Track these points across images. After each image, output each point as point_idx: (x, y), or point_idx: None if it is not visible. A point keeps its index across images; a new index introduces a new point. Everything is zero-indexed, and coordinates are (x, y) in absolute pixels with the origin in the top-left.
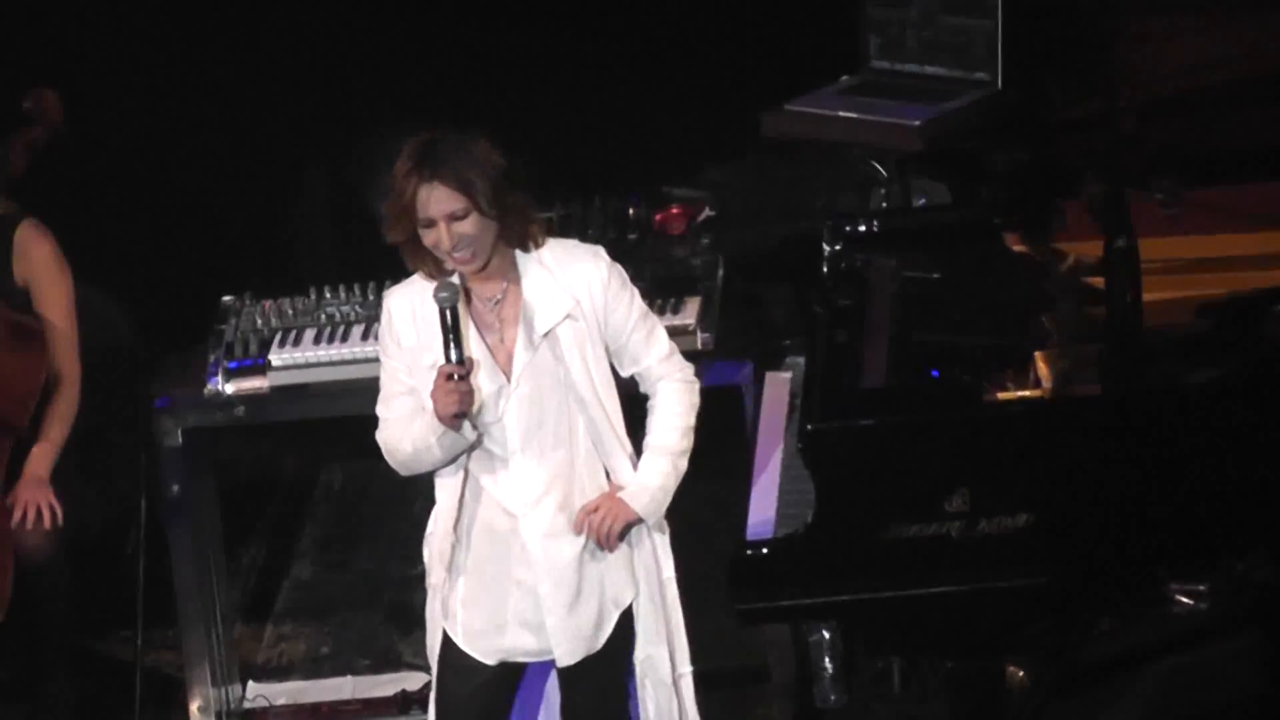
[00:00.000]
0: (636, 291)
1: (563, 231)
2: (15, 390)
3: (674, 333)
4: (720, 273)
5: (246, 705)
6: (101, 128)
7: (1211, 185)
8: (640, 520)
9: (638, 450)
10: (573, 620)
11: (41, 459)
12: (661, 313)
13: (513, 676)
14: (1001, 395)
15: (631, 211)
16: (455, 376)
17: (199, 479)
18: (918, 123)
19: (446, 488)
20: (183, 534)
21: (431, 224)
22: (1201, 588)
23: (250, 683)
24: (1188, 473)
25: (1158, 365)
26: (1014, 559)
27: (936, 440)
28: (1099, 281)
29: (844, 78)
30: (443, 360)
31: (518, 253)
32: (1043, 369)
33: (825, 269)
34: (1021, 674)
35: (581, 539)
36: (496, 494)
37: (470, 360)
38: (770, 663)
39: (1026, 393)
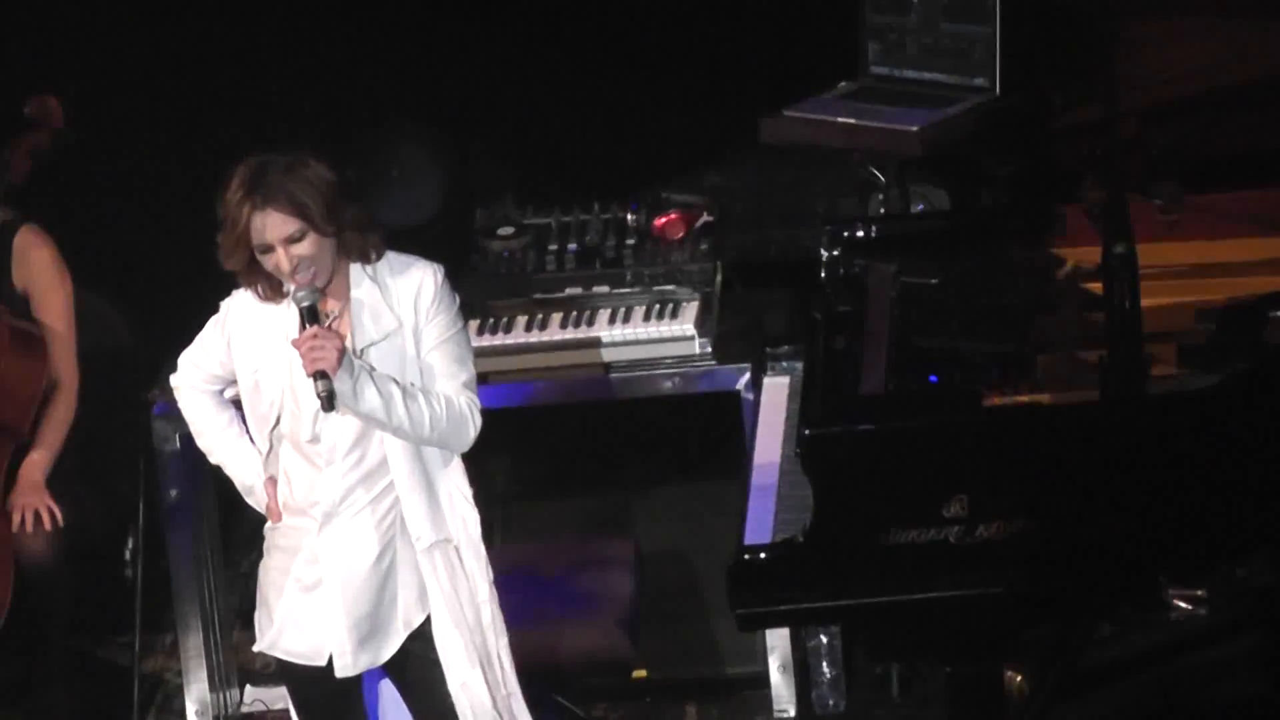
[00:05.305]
0: (461, 321)
1: (561, 237)
2: (17, 396)
3: (672, 339)
4: (719, 278)
5: (244, 710)
6: (102, 133)
7: (1211, 190)
8: (332, 371)
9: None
10: (355, 632)
11: (38, 464)
12: (660, 318)
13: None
14: (1000, 400)
15: (630, 217)
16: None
17: (197, 484)
18: (917, 128)
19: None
20: (181, 539)
21: (269, 249)
22: (1201, 593)
23: (248, 687)
24: (1187, 478)
25: (1157, 371)
26: (1013, 564)
27: (935, 446)
28: (1098, 287)
29: (843, 83)
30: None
31: (354, 267)
32: (1042, 374)
33: (824, 274)
34: (1020, 679)
35: (376, 551)
36: (300, 496)
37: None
38: (769, 668)
39: (1025, 398)
